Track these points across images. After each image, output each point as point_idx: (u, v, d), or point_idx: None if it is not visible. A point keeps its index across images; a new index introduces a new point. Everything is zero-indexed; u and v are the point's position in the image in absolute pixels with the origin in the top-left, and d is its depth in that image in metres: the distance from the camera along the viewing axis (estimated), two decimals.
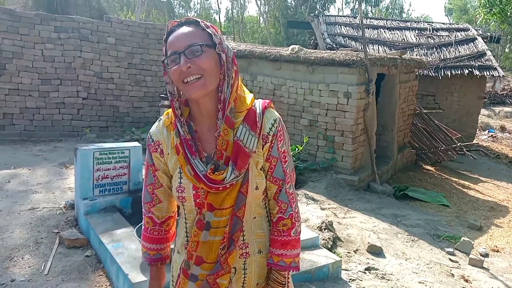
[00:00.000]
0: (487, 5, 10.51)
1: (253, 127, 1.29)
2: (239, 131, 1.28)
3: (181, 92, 1.31)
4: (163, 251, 1.52)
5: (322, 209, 4.92)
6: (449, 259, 4.13)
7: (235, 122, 1.28)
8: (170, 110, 1.37)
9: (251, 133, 1.28)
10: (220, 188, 1.27)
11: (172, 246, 1.54)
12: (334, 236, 4.14)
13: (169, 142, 1.34)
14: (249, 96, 1.35)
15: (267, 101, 1.38)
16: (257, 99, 1.38)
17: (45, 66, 7.07)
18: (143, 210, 1.49)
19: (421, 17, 35.61)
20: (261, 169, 1.34)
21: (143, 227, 1.52)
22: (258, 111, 1.32)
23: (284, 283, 1.40)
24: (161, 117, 1.40)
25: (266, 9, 28.85)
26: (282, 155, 1.35)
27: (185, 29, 1.26)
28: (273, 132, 1.32)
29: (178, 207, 1.50)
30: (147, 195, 1.45)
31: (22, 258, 3.20)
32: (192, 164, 1.27)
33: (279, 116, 1.36)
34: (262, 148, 1.32)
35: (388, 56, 6.97)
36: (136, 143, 4.13)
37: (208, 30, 1.27)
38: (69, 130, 7.38)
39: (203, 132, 1.32)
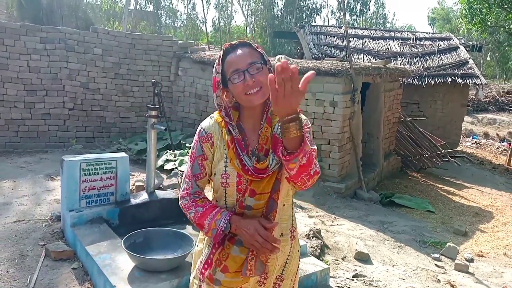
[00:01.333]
0: (468, 15, 10.77)
1: None
2: (275, 128, 1.56)
3: (230, 102, 1.59)
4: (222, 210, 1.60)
5: (310, 217, 4.95)
6: (435, 264, 4.19)
7: (273, 121, 1.57)
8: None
9: None
10: (264, 176, 1.51)
11: (200, 235, 1.72)
12: (322, 243, 4.17)
13: (219, 136, 1.58)
14: None
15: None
16: None
17: (30, 77, 7.02)
18: (186, 204, 1.62)
19: (405, 26, 36.24)
20: None
21: (196, 214, 1.59)
22: None
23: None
24: (213, 115, 1.64)
25: (253, 19, 29.08)
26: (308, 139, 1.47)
27: (243, 50, 1.52)
28: None
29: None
30: (194, 184, 1.63)
31: (7, 271, 3.16)
32: (241, 159, 1.53)
33: (306, 117, 1.58)
34: None
35: (373, 65, 7.09)
36: (123, 154, 4.13)
37: (259, 50, 1.55)
38: (55, 141, 7.31)
39: (249, 131, 1.59)
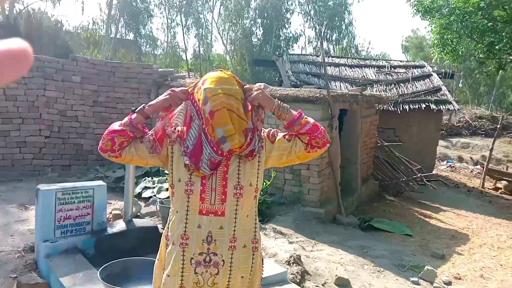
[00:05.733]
0: (440, 45, 11.20)
1: None
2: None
3: None
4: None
5: (290, 242, 4.94)
6: None
7: None
8: None
9: None
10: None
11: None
12: (302, 270, 4.16)
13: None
14: None
15: None
16: None
17: (6, 105, 6.92)
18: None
19: (380, 55, 37.34)
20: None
21: (117, 128, 1.67)
22: None
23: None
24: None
25: (232, 48, 29.52)
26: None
27: None
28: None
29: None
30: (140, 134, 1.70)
31: None
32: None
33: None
34: None
35: (350, 92, 7.27)
36: (100, 182, 4.08)
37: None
38: (30, 169, 7.16)
39: None
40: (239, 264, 1.66)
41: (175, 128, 1.70)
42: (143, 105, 1.70)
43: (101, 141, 1.68)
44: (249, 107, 1.70)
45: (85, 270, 3.33)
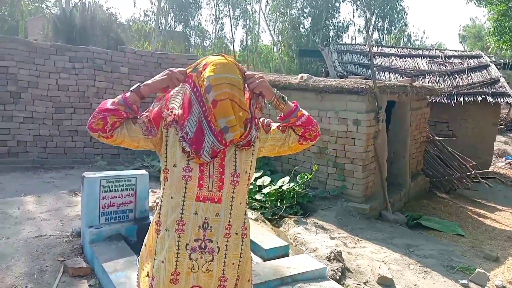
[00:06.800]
0: (496, 33, 10.45)
1: None
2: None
3: None
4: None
5: (332, 238, 4.82)
6: None
7: None
8: None
9: None
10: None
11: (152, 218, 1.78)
12: (343, 266, 4.03)
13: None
14: None
15: None
16: None
17: (59, 95, 7.24)
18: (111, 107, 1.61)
19: (435, 45, 35.67)
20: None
21: (110, 106, 1.60)
22: None
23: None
24: None
25: (280, 39, 29.32)
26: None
27: None
28: None
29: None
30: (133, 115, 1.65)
31: (26, 286, 3.18)
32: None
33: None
34: None
35: (398, 83, 6.96)
36: (143, 171, 4.14)
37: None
38: (81, 157, 7.47)
39: None
40: (232, 251, 1.68)
41: (171, 111, 1.64)
42: (138, 84, 1.64)
43: (90, 119, 1.58)
44: (248, 95, 1.67)
45: (127, 257, 3.40)
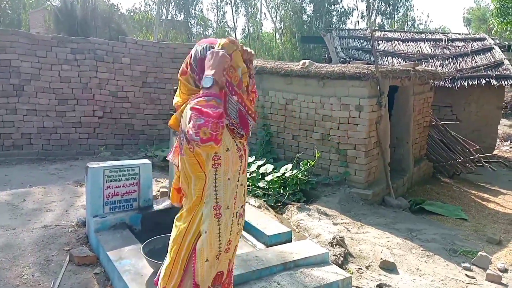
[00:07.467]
0: (500, 14, 10.29)
1: None
2: None
3: None
4: None
5: (335, 224, 4.85)
6: (466, 274, 3.99)
7: None
8: None
9: None
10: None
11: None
12: (346, 251, 4.07)
13: None
14: None
15: None
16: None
17: (62, 87, 7.27)
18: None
19: (439, 28, 35.24)
20: None
21: (219, 110, 1.60)
22: None
23: None
24: None
25: (282, 26, 29.08)
26: None
27: None
28: None
29: None
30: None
31: (33, 275, 3.25)
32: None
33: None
34: None
35: (401, 68, 6.91)
36: (146, 160, 4.18)
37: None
38: (85, 148, 7.52)
39: None
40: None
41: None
42: (211, 78, 1.62)
43: (204, 130, 1.48)
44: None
45: (131, 245, 3.45)
